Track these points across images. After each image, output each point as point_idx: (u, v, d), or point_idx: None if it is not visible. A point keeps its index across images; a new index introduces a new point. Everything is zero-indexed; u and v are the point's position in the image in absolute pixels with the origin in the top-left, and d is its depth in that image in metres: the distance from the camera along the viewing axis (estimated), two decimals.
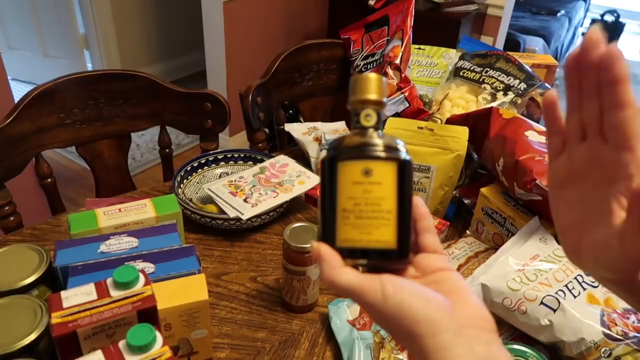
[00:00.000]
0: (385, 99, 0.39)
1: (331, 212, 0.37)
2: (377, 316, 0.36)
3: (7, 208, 1.01)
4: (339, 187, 0.37)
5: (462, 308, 0.35)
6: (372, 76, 0.39)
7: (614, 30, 4.86)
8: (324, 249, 0.37)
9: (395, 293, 0.34)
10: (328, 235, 0.38)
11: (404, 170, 0.37)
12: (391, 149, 0.37)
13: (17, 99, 1.10)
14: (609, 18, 4.89)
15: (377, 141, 0.38)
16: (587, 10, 5.49)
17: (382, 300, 0.35)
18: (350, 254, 0.37)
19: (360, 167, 0.37)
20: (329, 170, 0.38)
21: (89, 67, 3.14)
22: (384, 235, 0.37)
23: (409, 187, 0.37)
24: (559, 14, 4.37)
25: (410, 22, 1.20)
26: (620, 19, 4.86)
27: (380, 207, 0.37)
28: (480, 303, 0.36)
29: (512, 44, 3.28)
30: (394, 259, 0.37)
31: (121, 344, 0.47)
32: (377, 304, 0.35)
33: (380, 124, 0.39)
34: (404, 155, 0.37)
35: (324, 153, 0.39)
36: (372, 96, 0.38)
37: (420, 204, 0.39)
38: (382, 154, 0.37)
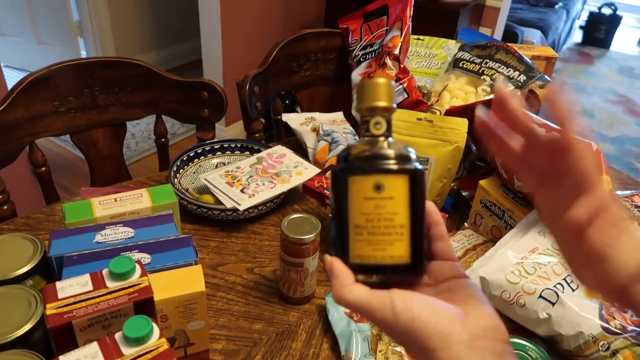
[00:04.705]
0: (394, 105, 0.38)
1: (343, 227, 0.37)
2: (389, 331, 0.36)
3: (0, 196, 0.99)
4: (350, 203, 0.36)
5: (475, 318, 0.35)
6: (381, 82, 0.37)
7: (611, 23, 4.85)
8: (337, 265, 0.37)
9: (405, 309, 0.34)
10: (341, 249, 0.37)
11: (416, 182, 0.36)
12: (402, 159, 0.36)
13: (9, 86, 1.09)
14: (607, 11, 4.88)
15: (388, 152, 0.36)
16: (584, 2, 5.48)
17: (392, 317, 0.34)
18: (363, 270, 0.37)
19: (371, 182, 0.36)
20: (339, 184, 0.37)
21: (83, 54, 3.10)
22: (398, 250, 0.36)
23: (421, 198, 0.36)
24: (556, 6, 4.36)
25: (409, 11, 1.19)
26: (618, 12, 4.85)
27: (393, 223, 0.36)
28: (493, 312, 0.36)
29: (510, 35, 3.27)
30: (408, 273, 0.37)
31: (117, 335, 0.46)
32: (387, 320, 0.35)
33: (390, 131, 0.38)
34: (415, 165, 0.36)
35: (334, 155, 0.38)
36: (382, 103, 0.37)
37: (432, 210, 0.39)
38: (393, 167, 0.36)
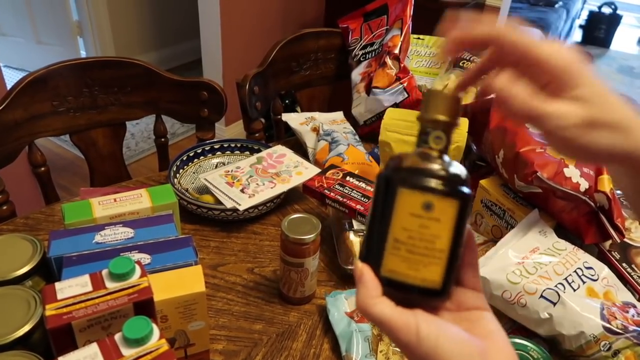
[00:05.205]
0: (458, 120, 0.37)
1: (381, 237, 0.35)
2: (408, 353, 0.35)
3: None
4: (394, 215, 0.35)
5: (494, 354, 0.34)
6: (450, 95, 0.36)
7: (611, 22, 4.85)
8: (367, 274, 0.36)
9: (429, 335, 0.33)
10: (373, 258, 0.36)
11: (465, 208, 0.35)
12: (456, 181, 0.35)
13: (9, 86, 1.08)
14: (607, 10, 4.87)
15: (444, 171, 0.35)
16: (584, 1, 5.48)
17: (415, 340, 0.34)
18: (391, 285, 0.36)
19: (421, 199, 0.34)
20: (387, 192, 0.35)
21: (83, 54, 3.10)
22: (432, 274, 0.35)
23: (465, 225, 0.35)
24: (556, 6, 4.35)
25: (409, 11, 1.19)
26: (618, 11, 4.84)
27: (433, 245, 0.35)
28: (511, 348, 0.35)
29: None
30: (434, 297, 0.36)
31: (117, 336, 0.46)
32: (410, 342, 0.34)
33: (448, 148, 0.37)
34: (467, 189, 0.35)
35: (381, 166, 0.37)
36: (446, 118, 0.36)
37: (470, 236, 0.38)
38: (447, 188, 0.34)
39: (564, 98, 0.35)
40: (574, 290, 0.68)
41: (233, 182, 0.92)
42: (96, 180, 1.18)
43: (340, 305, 0.73)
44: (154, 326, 0.47)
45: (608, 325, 0.63)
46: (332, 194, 0.84)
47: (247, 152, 1.07)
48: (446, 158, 0.36)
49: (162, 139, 1.22)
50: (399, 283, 0.35)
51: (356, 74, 1.24)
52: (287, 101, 2.34)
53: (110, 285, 0.52)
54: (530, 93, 0.35)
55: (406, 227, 0.35)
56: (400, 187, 0.35)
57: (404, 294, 0.36)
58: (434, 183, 0.34)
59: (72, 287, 0.51)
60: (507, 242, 0.75)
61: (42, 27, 3.02)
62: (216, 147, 1.06)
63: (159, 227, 0.69)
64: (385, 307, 0.35)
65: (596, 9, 4.95)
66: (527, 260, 0.72)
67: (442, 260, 0.35)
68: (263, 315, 0.75)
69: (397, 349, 0.66)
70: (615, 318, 0.64)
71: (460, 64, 1.13)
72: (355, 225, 0.83)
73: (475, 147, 1.00)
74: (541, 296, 0.66)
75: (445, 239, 0.35)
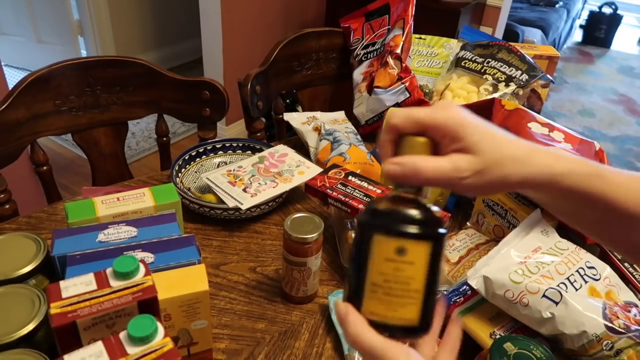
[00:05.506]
0: None
1: (360, 281, 0.37)
2: None
3: (2, 196, 0.99)
4: (370, 260, 0.37)
5: None
6: (421, 140, 0.38)
7: (611, 22, 4.85)
8: (352, 311, 0.38)
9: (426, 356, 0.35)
10: (355, 300, 0.38)
11: (438, 249, 0.36)
12: (428, 223, 0.36)
13: (10, 85, 1.08)
14: (607, 10, 4.87)
15: (416, 214, 0.37)
16: (585, 1, 5.48)
17: None
18: (372, 325, 0.37)
19: (394, 244, 0.36)
20: (362, 237, 0.37)
21: (83, 53, 3.10)
22: (409, 313, 0.37)
23: (439, 264, 0.37)
24: (557, 5, 4.35)
25: (411, 11, 1.19)
26: (618, 11, 4.85)
27: (408, 287, 0.36)
28: None
29: (511, 35, 3.27)
30: (413, 333, 0.38)
31: (122, 335, 0.46)
32: None
33: (422, 189, 0.38)
34: (440, 230, 0.36)
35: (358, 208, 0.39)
36: None
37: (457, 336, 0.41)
38: (419, 231, 0.36)
39: (456, 151, 0.38)
40: (576, 289, 0.68)
41: (235, 182, 0.92)
42: (98, 180, 1.18)
43: None
44: (159, 325, 0.47)
45: (610, 325, 0.63)
46: (334, 193, 0.84)
47: (249, 152, 1.07)
48: (420, 200, 0.38)
49: (164, 138, 1.22)
50: (379, 324, 0.37)
51: (358, 74, 1.24)
52: (288, 101, 2.34)
53: (115, 283, 0.52)
54: (427, 160, 0.38)
55: (382, 271, 0.36)
56: (374, 233, 0.36)
57: (385, 333, 0.37)
58: (405, 228, 0.36)
59: (77, 285, 0.51)
60: (509, 242, 0.75)
61: (42, 26, 3.02)
62: (218, 146, 1.06)
63: (162, 226, 0.69)
64: (376, 337, 0.37)
65: (596, 9, 4.95)
66: (529, 259, 0.72)
67: (418, 299, 0.37)
68: (265, 314, 0.75)
69: None
70: (618, 317, 0.64)
71: (462, 63, 1.13)
72: None
73: None
74: (543, 296, 0.66)
75: (419, 279, 0.36)
